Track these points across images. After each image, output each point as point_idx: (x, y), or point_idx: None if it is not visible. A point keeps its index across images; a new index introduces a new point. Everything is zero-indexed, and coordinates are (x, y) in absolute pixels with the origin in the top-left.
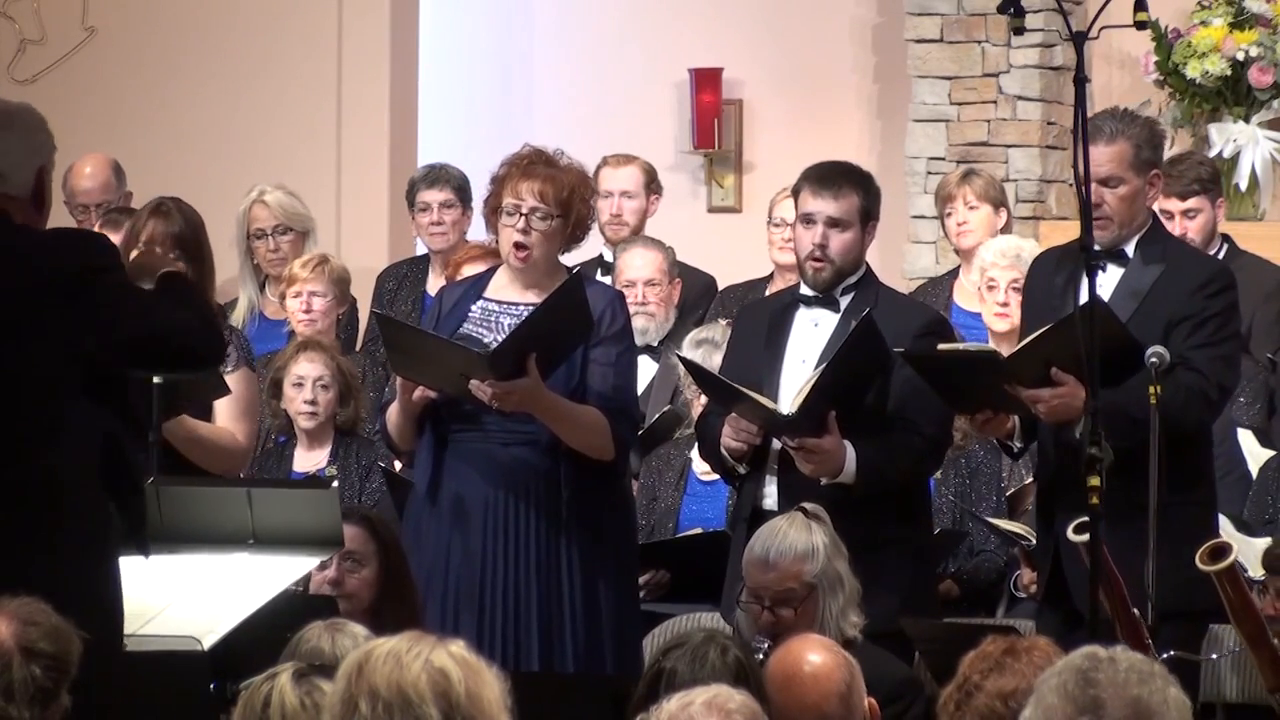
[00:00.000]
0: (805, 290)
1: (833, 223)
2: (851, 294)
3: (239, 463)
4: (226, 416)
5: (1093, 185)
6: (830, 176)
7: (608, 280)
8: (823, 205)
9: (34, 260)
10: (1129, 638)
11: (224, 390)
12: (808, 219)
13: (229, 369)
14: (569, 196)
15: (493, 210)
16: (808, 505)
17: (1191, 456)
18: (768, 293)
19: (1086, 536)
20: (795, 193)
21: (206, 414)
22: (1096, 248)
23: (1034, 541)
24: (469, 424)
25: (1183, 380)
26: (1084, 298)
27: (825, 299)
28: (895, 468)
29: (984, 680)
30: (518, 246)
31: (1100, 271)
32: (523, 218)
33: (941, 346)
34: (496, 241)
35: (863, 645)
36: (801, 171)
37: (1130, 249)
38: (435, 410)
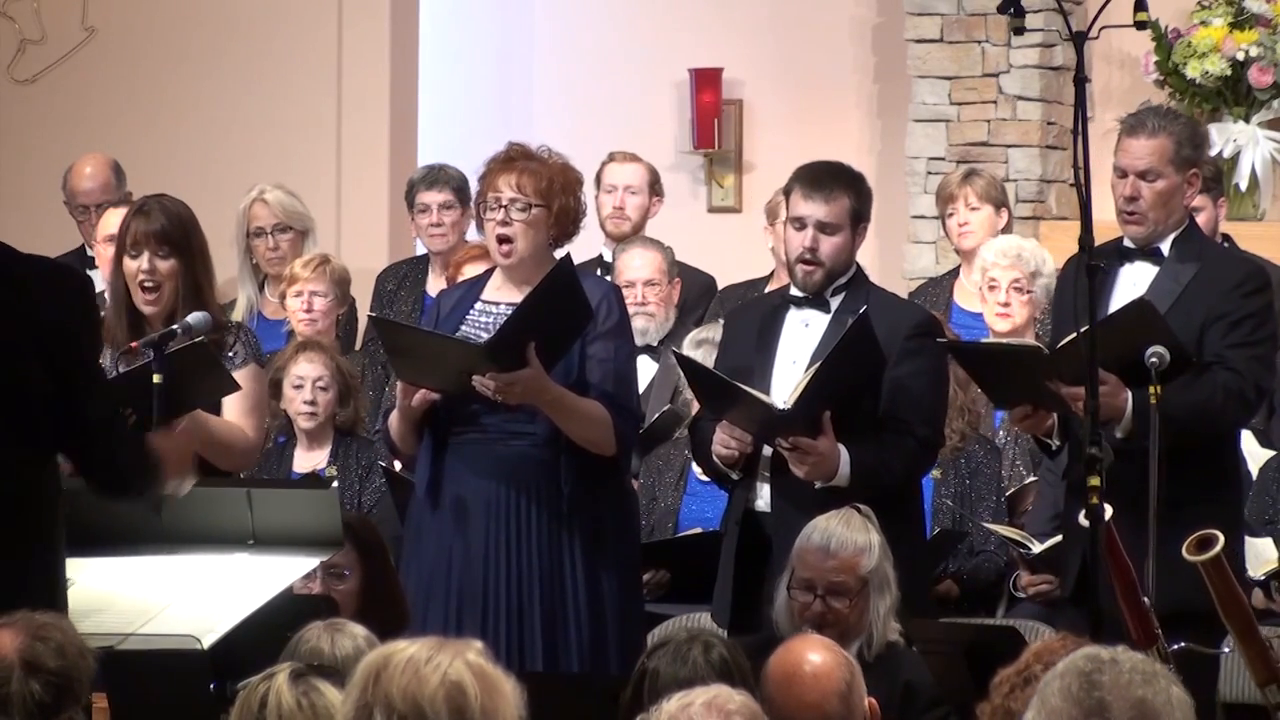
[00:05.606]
0: (795, 291)
1: (823, 226)
2: (842, 294)
3: (249, 459)
4: (235, 412)
5: (1130, 179)
6: (822, 179)
7: (607, 280)
8: (814, 209)
9: (34, 290)
10: (1137, 628)
11: (233, 387)
12: (799, 221)
13: (236, 365)
14: (548, 187)
15: (479, 212)
16: (860, 505)
17: (1220, 455)
18: (767, 291)
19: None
20: (786, 193)
21: (215, 411)
22: (1130, 245)
23: (1032, 549)
24: (468, 425)
25: (1220, 380)
26: (1084, 297)
27: (816, 300)
28: (889, 470)
29: (1045, 672)
30: (500, 240)
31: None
32: (502, 209)
33: (985, 339)
34: None
35: (904, 650)
36: (794, 171)
37: (1165, 247)
38: (435, 414)
